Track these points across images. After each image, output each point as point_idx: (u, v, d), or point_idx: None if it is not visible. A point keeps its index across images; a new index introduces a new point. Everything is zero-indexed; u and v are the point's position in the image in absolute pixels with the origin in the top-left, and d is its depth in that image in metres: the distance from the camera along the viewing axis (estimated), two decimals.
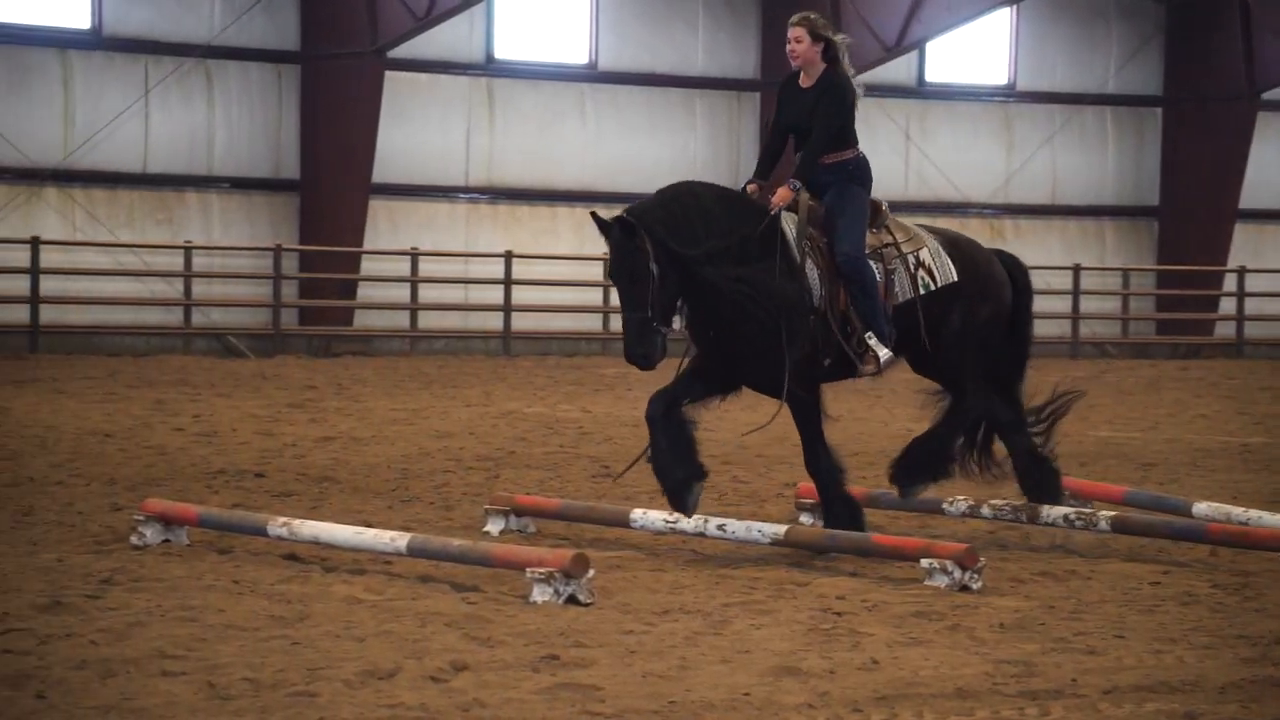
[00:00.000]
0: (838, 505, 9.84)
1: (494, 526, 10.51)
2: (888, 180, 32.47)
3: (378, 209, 28.60)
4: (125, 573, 8.78)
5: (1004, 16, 32.71)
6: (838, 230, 9.75)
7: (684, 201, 9.54)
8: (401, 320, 28.80)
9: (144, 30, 27.17)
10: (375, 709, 6.19)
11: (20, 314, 25.74)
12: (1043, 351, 32.01)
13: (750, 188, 9.89)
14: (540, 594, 8.22)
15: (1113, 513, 10.12)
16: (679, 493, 9.51)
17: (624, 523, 10.07)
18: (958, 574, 8.77)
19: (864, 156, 9.96)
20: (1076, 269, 32.65)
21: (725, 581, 8.97)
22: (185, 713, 6.09)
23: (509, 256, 29.01)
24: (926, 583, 8.82)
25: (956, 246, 10.23)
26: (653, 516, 9.97)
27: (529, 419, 17.98)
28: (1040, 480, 10.40)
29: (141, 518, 9.72)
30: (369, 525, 9.73)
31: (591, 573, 8.30)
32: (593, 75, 30.21)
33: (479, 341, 29.18)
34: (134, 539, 9.68)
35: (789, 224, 9.68)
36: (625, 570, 9.23)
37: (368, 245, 28.45)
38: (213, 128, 27.76)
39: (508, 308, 29.02)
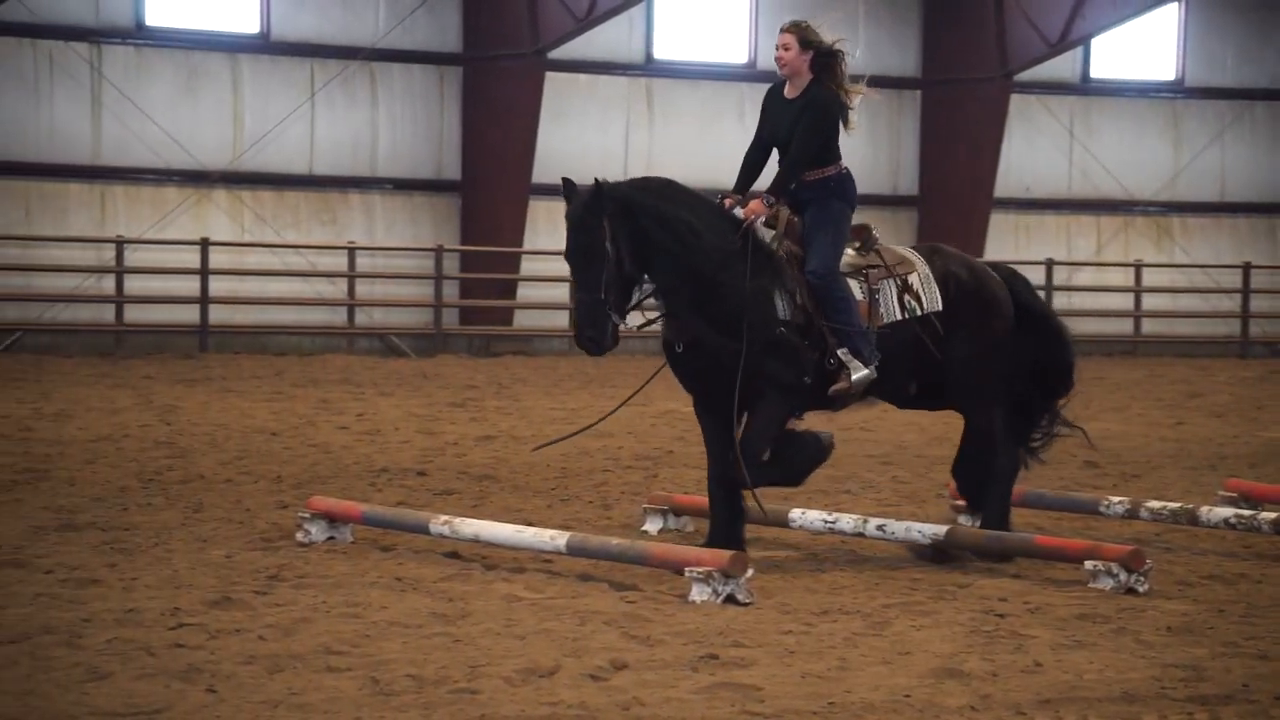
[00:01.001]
0: (720, 517, 9.31)
1: (652, 525, 10.54)
2: (1050, 179, 32.20)
3: (538, 209, 28.77)
4: (291, 569, 8.91)
5: (1171, 11, 32.15)
6: (811, 246, 9.36)
7: (662, 188, 9.22)
8: (561, 320, 28.93)
9: (310, 34, 27.56)
10: (535, 706, 6.22)
11: (190, 314, 26.22)
12: (1211, 351, 31.49)
13: (727, 201, 9.41)
14: (699, 593, 8.22)
15: (1275, 515, 9.91)
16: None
17: (782, 522, 10.04)
18: (1123, 576, 8.64)
19: (847, 172, 9.53)
20: (1246, 267, 32.03)
21: (885, 582, 8.92)
22: (350, 708, 6.17)
23: None
24: (1091, 585, 8.69)
25: (953, 272, 9.76)
26: (811, 516, 9.94)
27: (687, 418, 17.95)
28: (983, 498, 9.94)
29: (307, 515, 9.87)
30: (529, 524, 9.79)
31: (750, 572, 8.29)
32: (751, 74, 30.14)
33: (638, 341, 29.24)
34: (300, 536, 9.83)
35: (765, 235, 9.33)
36: (783, 570, 9.21)
37: (528, 245, 28.64)
38: (376, 129, 28.10)
39: None
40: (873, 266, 9.56)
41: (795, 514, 10.00)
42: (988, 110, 30.27)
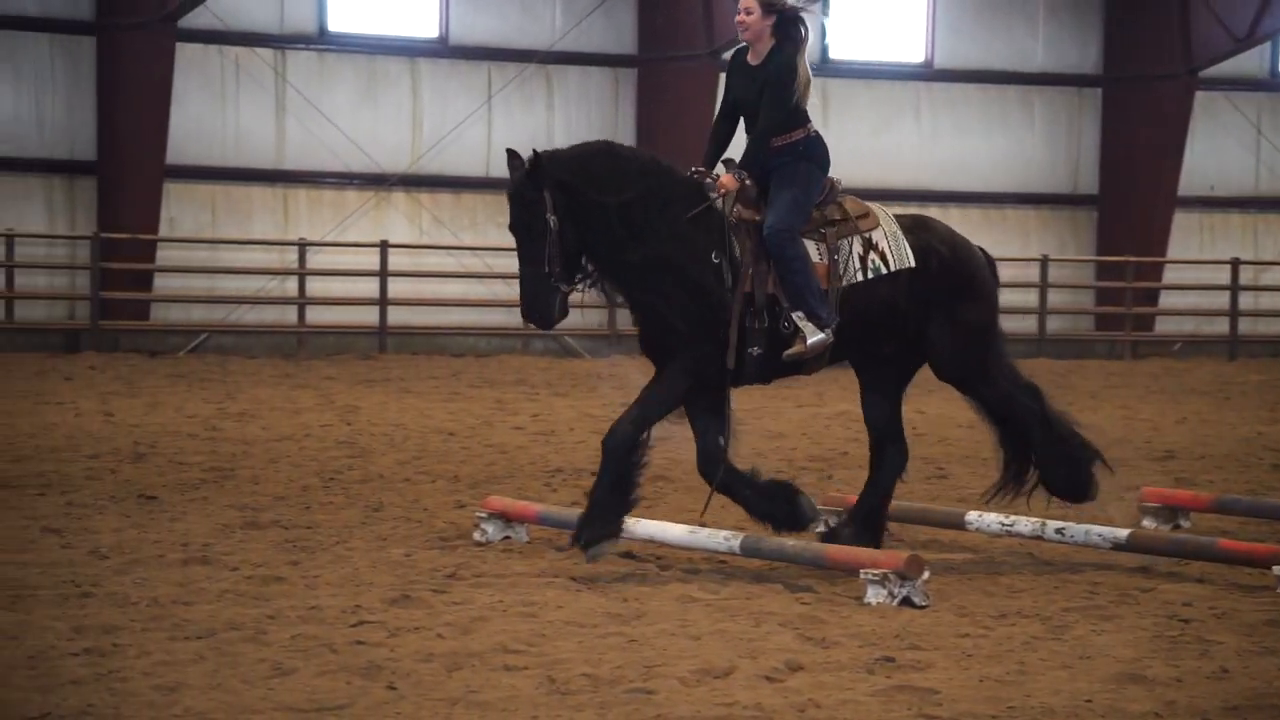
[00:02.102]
0: (607, 494, 8.93)
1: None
2: (1236, 176, 31.53)
3: None
4: (469, 568, 9.00)
5: None
6: (772, 204, 8.98)
7: (603, 153, 8.96)
8: None
9: (488, 38, 27.83)
10: (711, 707, 6.22)
11: (370, 315, 26.58)
12: None
13: (697, 176, 9.14)
14: (874, 595, 8.17)
15: None
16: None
17: (959, 524, 9.94)
18: None
19: (817, 135, 9.18)
20: None
21: (1064, 586, 8.79)
22: (527, 707, 6.21)
23: None
24: None
25: (934, 247, 9.30)
26: (988, 519, 9.83)
27: (860, 420, 17.82)
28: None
29: (484, 515, 9.95)
30: (703, 525, 9.79)
31: (926, 575, 8.22)
32: (928, 74, 29.91)
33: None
34: (476, 535, 9.92)
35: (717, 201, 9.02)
36: (960, 573, 9.11)
37: None
38: (552, 131, 28.28)
39: None
40: (831, 223, 9.11)
41: (971, 516, 9.89)
42: (1171, 107, 29.72)
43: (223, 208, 26.49)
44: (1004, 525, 9.70)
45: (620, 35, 28.57)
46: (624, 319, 28.10)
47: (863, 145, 29.47)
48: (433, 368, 23.92)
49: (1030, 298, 29.45)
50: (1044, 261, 29.46)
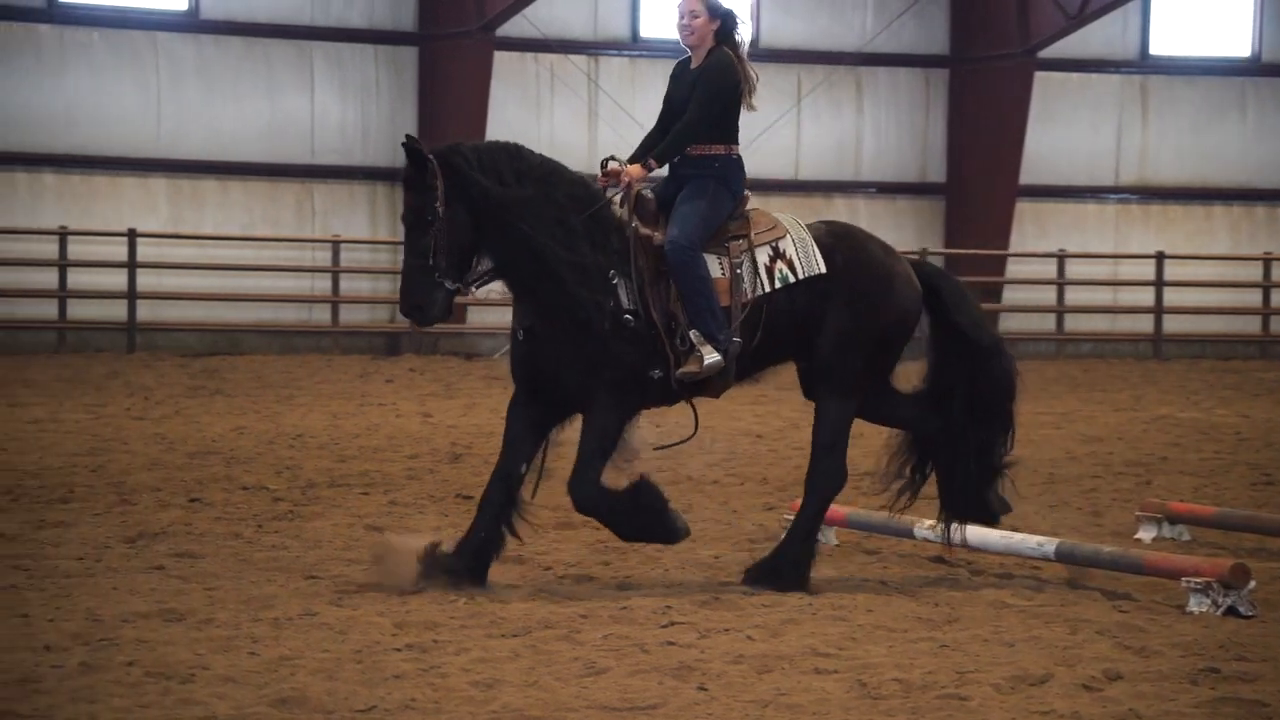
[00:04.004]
0: (484, 519, 8.46)
1: (1146, 533, 10.23)
2: None
3: (1024, 211, 28.34)
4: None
5: None
6: (674, 217, 8.49)
7: (506, 152, 8.46)
8: (1047, 323, 28.43)
9: (798, 41, 27.84)
10: (1027, 715, 6.11)
11: None
12: None
13: (611, 165, 8.56)
14: (1197, 604, 7.94)
15: None
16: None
17: None
18: None
19: (738, 158, 8.71)
20: None
21: None
22: (838, 711, 6.18)
23: (1160, 258, 28.18)
24: None
25: (843, 240, 8.81)
26: None
27: (1182, 424, 17.40)
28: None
29: (792, 517, 9.92)
30: (1016, 529, 9.63)
31: (1253, 584, 7.95)
32: (1255, 68, 28.97)
33: (1127, 345, 28.47)
34: None
35: (619, 211, 8.54)
36: None
37: (1014, 248, 28.23)
38: (861, 134, 28.18)
39: (1159, 310, 28.19)
40: (735, 237, 8.61)
41: None
42: None
43: None
44: None
45: (932, 36, 28.31)
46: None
47: (1184, 143, 28.74)
48: None
49: None
50: None
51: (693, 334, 8.42)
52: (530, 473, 8.57)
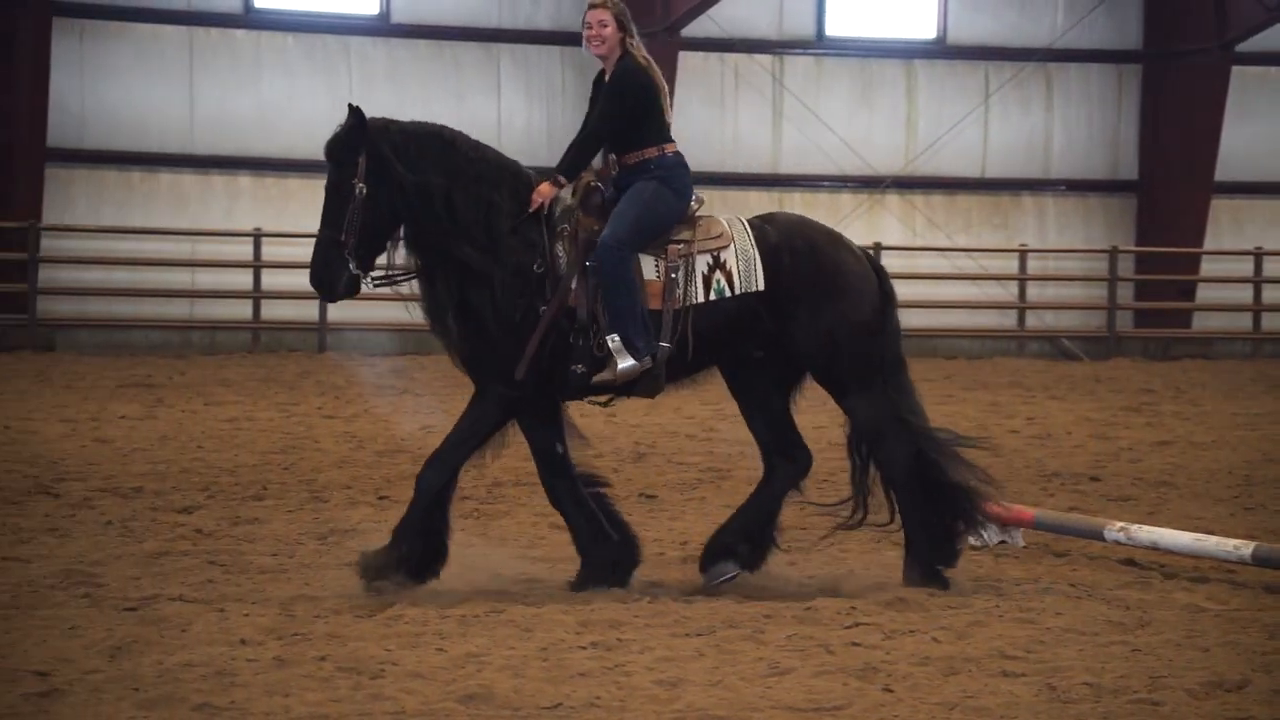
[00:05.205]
0: (410, 532, 8.29)
1: None
2: None
3: (1219, 208, 27.77)
4: (964, 572, 8.90)
5: None
6: (612, 218, 8.33)
7: (437, 136, 8.31)
8: (1243, 322, 27.84)
9: (985, 37, 27.56)
10: None
11: None
12: None
13: (542, 187, 8.40)
14: None
15: None
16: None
17: None
18: None
19: (675, 155, 8.48)
20: None
21: None
22: (1027, 714, 6.11)
23: None
24: None
25: (791, 247, 8.53)
26: None
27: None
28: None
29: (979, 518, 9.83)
30: (1210, 532, 9.44)
31: None
32: None
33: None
34: (972, 539, 9.80)
35: (555, 203, 8.38)
36: None
37: (1209, 245, 27.69)
38: (1050, 131, 27.81)
39: None
40: (676, 242, 8.42)
41: None
42: None
43: (720, 212, 26.90)
44: None
45: (1124, 31, 27.87)
46: (1123, 321, 27.47)
47: None
48: (925, 370, 23.77)
49: None
50: None
51: (611, 339, 8.27)
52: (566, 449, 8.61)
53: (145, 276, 24.79)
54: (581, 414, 16.75)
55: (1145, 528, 9.18)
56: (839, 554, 9.43)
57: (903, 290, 30.25)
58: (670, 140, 8.56)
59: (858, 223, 27.12)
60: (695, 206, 8.59)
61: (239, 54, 25.18)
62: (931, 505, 8.57)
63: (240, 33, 25.21)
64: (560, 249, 8.32)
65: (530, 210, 8.34)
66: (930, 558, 8.52)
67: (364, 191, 8.15)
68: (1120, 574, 8.98)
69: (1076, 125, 27.89)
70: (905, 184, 27.35)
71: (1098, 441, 15.32)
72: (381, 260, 8.41)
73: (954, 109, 27.39)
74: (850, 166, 27.01)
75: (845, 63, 27.25)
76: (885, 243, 26.69)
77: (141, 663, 6.63)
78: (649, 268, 8.39)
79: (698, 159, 27.20)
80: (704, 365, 8.69)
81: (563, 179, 8.43)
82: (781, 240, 8.57)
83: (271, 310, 25.15)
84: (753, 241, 8.54)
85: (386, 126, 8.28)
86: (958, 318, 27.18)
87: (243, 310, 24.99)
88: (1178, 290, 27.63)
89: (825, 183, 27.17)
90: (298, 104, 25.30)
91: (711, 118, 26.65)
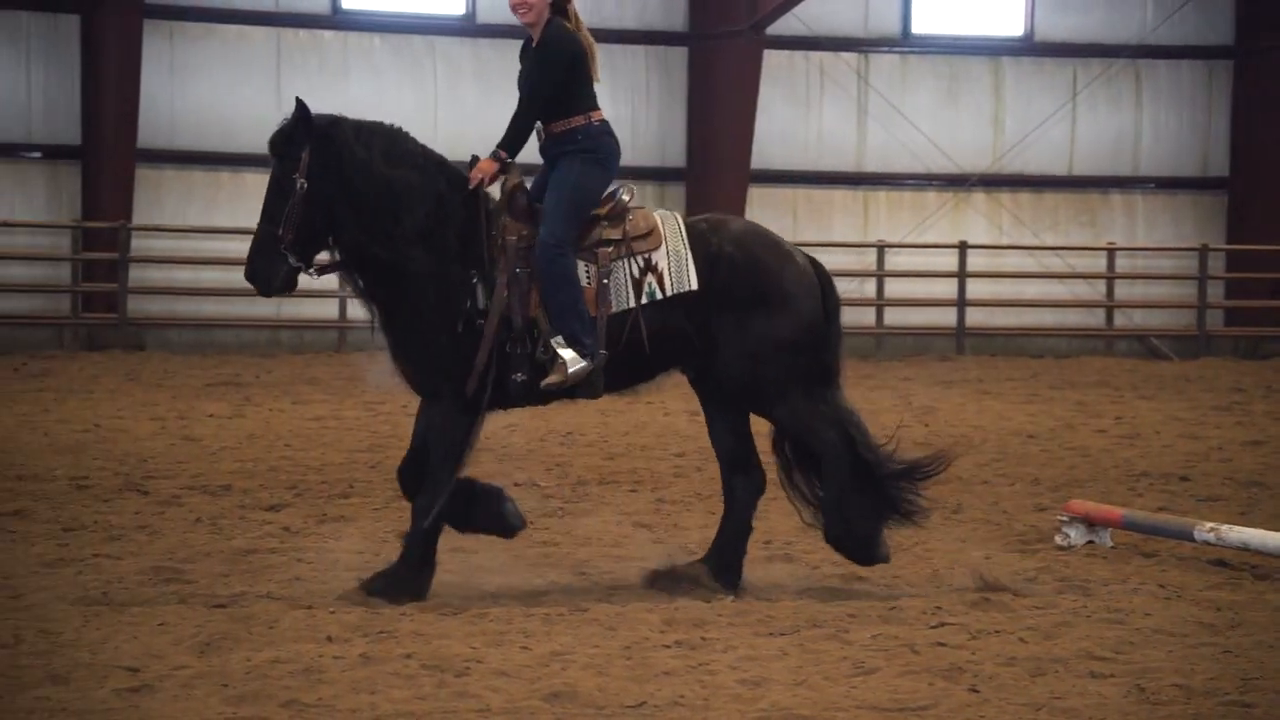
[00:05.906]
0: (411, 560, 8.13)
1: None
2: None
3: None
4: (1050, 572, 8.86)
5: None
6: (544, 213, 8.14)
7: (381, 134, 8.17)
8: None
9: (1073, 34, 27.34)
10: None
11: (948, 317, 26.42)
12: None
13: (483, 163, 8.22)
14: None
15: None
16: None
17: None
18: None
19: (601, 124, 8.31)
20: None
21: None
22: (1116, 715, 6.07)
23: None
24: None
25: (726, 252, 8.27)
26: None
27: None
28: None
29: (1065, 518, 9.78)
30: None
31: None
32: None
33: None
34: (1058, 539, 9.75)
35: (486, 204, 8.19)
36: None
37: None
38: (1139, 128, 27.57)
39: None
40: (606, 243, 8.22)
41: None
42: None
43: (804, 211, 26.91)
44: None
45: (1215, 26, 27.57)
46: (1213, 319, 27.19)
47: None
48: (1011, 369, 23.66)
49: None
50: None
51: (555, 341, 8.11)
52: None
53: (233, 276, 24.80)
54: (665, 413, 16.67)
55: (1236, 528, 9.09)
56: (924, 553, 9.39)
57: (989, 289, 30.17)
58: (596, 108, 8.40)
59: (943, 221, 26.99)
60: (627, 199, 8.40)
61: (326, 55, 25.35)
62: (858, 501, 8.41)
63: (328, 33, 25.38)
64: (491, 255, 8.15)
65: (470, 187, 8.17)
66: (851, 555, 8.42)
67: (305, 187, 8.08)
68: (1210, 575, 8.90)
69: (1166, 122, 27.63)
70: (991, 182, 27.18)
71: (1187, 441, 15.18)
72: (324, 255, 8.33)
73: (1041, 106, 27.19)
74: (936, 165, 26.87)
75: (931, 60, 27.12)
76: (971, 241, 26.55)
77: (230, 659, 6.70)
78: (581, 274, 8.20)
79: (782, 158, 27.34)
80: (644, 376, 8.53)
81: (504, 153, 8.23)
82: (722, 248, 8.35)
83: (357, 309, 25.25)
84: (684, 239, 8.32)
85: (335, 120, 8.22)
86: (1045, 316, 26.99)
87: (329, 309, 25.16)
88: (1269, 288, 27.30)
89: (910, 181, 27.04)
90: (385, 104, 25.37)
91: (796, 116, 26.59)
